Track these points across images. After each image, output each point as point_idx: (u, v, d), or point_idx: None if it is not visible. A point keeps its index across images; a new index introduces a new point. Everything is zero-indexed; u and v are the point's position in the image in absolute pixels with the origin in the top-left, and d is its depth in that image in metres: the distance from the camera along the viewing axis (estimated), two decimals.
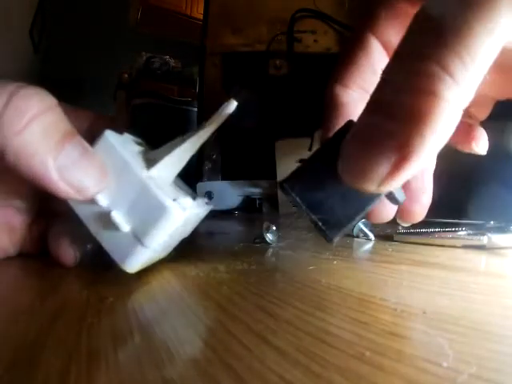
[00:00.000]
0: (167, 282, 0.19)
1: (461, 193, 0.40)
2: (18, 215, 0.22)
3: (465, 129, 0.21)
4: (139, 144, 0.22)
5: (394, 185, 0.14)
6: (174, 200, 0.18)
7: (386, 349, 0.10)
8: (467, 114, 0.22)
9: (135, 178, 0.18)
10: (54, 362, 0.10)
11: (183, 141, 0.20)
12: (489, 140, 0.22)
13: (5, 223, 0.22)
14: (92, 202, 0.18)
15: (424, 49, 0.12)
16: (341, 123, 0.20)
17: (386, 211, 0.21)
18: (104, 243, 0.19)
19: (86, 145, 0.18)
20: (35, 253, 0.23)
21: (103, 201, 0.18)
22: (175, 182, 0.22)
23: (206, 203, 0.22)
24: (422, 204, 0.22)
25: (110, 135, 0.19)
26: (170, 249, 0.22)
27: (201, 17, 0.81)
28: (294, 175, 0.18)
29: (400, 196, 0.19)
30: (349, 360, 0.10)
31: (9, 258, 0.23)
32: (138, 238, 0.18)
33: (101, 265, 0.21)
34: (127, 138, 0.21)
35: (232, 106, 0.20)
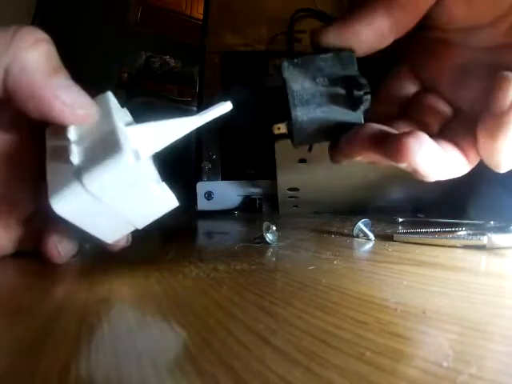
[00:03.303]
0: (167, 282, 0.19)
1: (461, 193, 0.40)
2: (14, 212, 0.22)
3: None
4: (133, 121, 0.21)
5: None
6: (134, 150, 0.17)
7: (385, 349, 0.10)
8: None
9: (110, 123, 0.18)
10: (54, 362, 0.10)
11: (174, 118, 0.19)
12: None
13: (1, 220, 0.22)
14: (63, 136, 0.18)
15: None
16: None
17: None
18: (49, 174, 0.18)
19: None
20: (32, 250, 0.23)
21: (73, 134, 0.18)
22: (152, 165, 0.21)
23: (169, 197, 0.19)
24: None
25: (110, 96, 0.20)
26: (118, 234, 0.20)
27: (201, 17, 0.81)
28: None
29: None
30: (349, 360, 0.10)
31: (8, 258, 0.22)
32: (81, 174, 0.16)
33: (100, 265, 0.21)
34: (125, 112, 0.21)
35: (227, 107, 0.20)
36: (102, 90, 0.22)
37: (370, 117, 0.22)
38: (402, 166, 0.19)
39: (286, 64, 0.21)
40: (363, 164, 0.23)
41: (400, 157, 0.19)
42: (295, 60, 0.21)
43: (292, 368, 0.10)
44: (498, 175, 0.23)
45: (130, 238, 0.22)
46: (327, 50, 0.21)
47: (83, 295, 0.16)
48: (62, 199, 0.16)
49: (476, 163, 0.22)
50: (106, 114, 0.19)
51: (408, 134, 0.19)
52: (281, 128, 0.23)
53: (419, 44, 0.24)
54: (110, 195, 0.17)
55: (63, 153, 0.18)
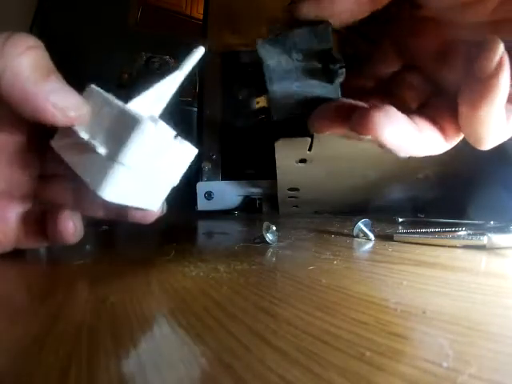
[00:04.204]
0: (167, 282, 0.19)
1: (461, 193, 0.40)
2: (12, 205, 0.22)
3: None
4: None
5: None
6: (150, 117, 0.19)
7: (386, 349, 0.10)
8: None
9: (113, 107, 0.19)
10: (54, 362, 0.10)
11: (159, 82, 0.21)
12: None
13: (0, 215, 0.22)
14: (75, 139, 0.19)
15: None
16: None
17: None
18: (81, 172, 0.19)
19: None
20: (31, 246, 0.23)
21: (84, 134, 0.19)
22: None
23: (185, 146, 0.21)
24: None
25: (96, 87, 0.20)
26: (160, 199, 0.22)
27: (201, 17, 0.81)
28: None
29: None
30: (349, 360, 0.10)
31: (8, 258, 0.22)
32: (114, 157, 0.18)
33: (100, 265, 0.21)
34: (112, 96, 0.22)
35: (200, 51, 0.22)
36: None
37: (349, 94, 0.22)
38: (369, 139, 0.18)
39: (260, 42, 0.22)
40: (363, 164, 0.23)
41: (366, 130, 0.18)
42: (270, 37, 0.21)
43: (292, 368, 0.10)
44: (497, 175, 0.23)
45: (165, 208, 0.23)
46: (304, 24, 0.21)
47: (83, 295, 0.16)
48: (108, 185, 0.18)
49: (455, 143, 0.21)
50: (104, 102, 0.20)
51: (376, 107, 0.18)
52: (260, 102, 0.24)
53: (404, 22, 0.24)
54: (145, 162, 0.19)
55: (86, 150, 0.19)
